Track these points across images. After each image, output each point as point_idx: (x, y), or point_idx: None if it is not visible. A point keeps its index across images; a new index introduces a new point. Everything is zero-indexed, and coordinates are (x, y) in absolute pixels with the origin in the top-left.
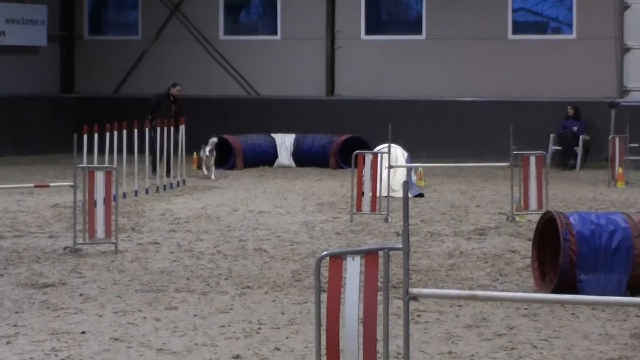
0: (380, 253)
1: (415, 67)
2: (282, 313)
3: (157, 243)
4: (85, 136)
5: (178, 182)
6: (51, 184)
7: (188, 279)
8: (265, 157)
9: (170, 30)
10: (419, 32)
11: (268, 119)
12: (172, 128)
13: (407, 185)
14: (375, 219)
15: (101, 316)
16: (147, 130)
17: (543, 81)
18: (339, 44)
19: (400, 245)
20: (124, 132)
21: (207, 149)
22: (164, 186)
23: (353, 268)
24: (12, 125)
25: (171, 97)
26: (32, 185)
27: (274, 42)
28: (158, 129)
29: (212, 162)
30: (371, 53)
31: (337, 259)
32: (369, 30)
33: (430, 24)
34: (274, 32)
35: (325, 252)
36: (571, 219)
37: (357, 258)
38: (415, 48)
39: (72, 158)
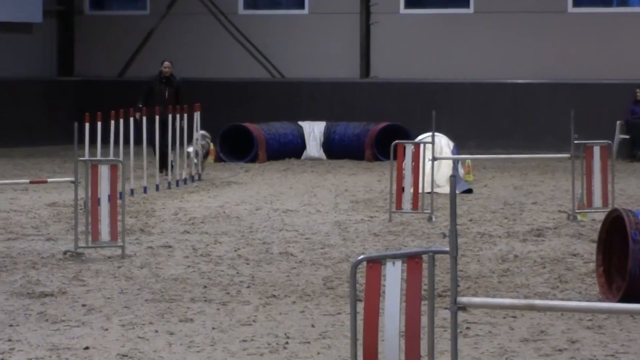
0: (425, 257)
1: (462, 45)
2: (313, 325)
3: (170, 246)
4: (87, 125)
5: (192, 177)
6: (49, 180)
7: (205, 287)
8: (292, 149)
9: (182, 4)
10: (466, 5)
11: (295, 105)
12: (169, 116)
13: (454, 179)
14: (417, 219)
15: (107, 329)
16: (132, 120)
17: (608, 60)
18: (375, 19)
19: (447, 248)
20: (131, 120)
21: (190, 149)
22: (177, 182)
23: (393, 274)
24: (4, 113)
25: (163, 78)
26: (27, 181)
27: (301, 17)
28: (157, 117)
29: (201, 163)
30: (412, 29)
31: (376, 263)
32: (410, 3)
33: None
34: (301, 6)
35: (361, 256)
36: None
37: (398, 263)
38: (461, 23)
39: (73, 150)
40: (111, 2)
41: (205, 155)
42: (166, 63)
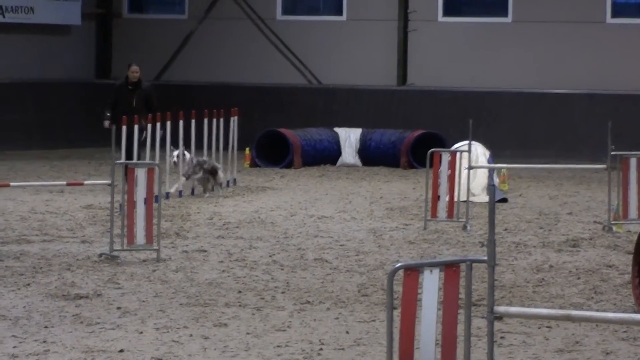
0: (462, 266)
1: (500, 54)
2: (347, 332)
3: (205, 251)
4: (124, 128)
5: (228, 182)
6: (85, 182)
7: (240, 292)
8: (327, 155)
9: (220, 8)
10: (505, 14)
11: (331, 111)
12: (136, 126)
13: (494, 189)
14: (453, 227)
15: (141, 333)
16: (108, 127)
17: None
18: (413, 27)
19: (484, 257)
20: (168, 123)
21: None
22: (212, 186)
23: (431, 282)
24: (41, 114)
25: (130, 85)
26: (64, 183)
27: (339, 24)
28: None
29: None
30: (449, 37)
31: (413, 271)
32: (448, 11)
33: (517, 5)
34: (339, 12)
35: (399, 264)
36: None
37: (436, 271)
38: (499, 32)
39: (109, 153)
40: (150, 6)
41: (212, 173)
42: (133, 67)
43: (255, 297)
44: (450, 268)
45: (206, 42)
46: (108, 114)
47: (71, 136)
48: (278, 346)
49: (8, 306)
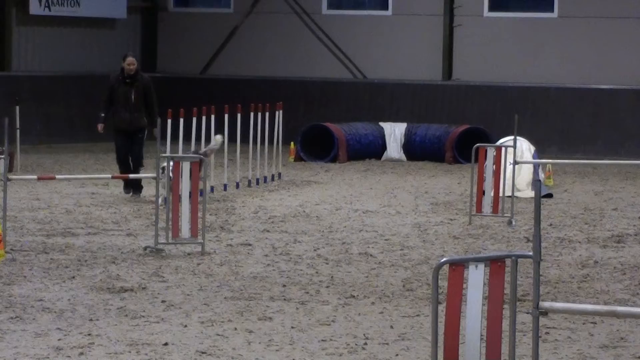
0: (507, 261)
1: (545, 50)
2: (391, 327)
3: (249, 244)
4: (168, 121)
5: (273, 176)
6: (130, 176)
7: (284, 285)
8: (372, 149)
9: (266, 2)
10: (551, 9)
11: (376, 106)
12: (140, 122)
13: (539, 184)
14: (497, 222)
15: (186, 326)
16: (101, 131)
17: None
18: (459, 22)
19: (529, 253)
20: (212, 117)
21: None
22: (257, 180)
23: (476, 277)
24: (87, 107)
25: (126, 78)
26: (109, 176)
27: (384, 18)
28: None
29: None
30: (495, 32)
31: (458, 266)
32: (493, 7)
33: (563, 1)
34: (385, 7)
35: (444, 259)
36: None
37: (481, 266)
38: (545, 27)
39: (154, 146)
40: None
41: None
42: (129, 58)
43: (300, 291)
44: (495, 263)
45: (251, 36)
46: (102, 115)
47: None
48: (322, 340)
49: (53, 299)
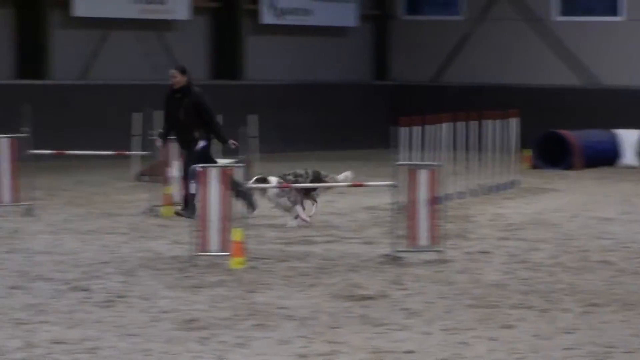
0: None
1: None
2: (637, 336)
3: (488, 252)
4: (402, 130)
5: (510, 184)
6: (368, 183)
7: (525, 293)
8: (607, 156)
9: (496, 9)
10: None
11: (610, 113)
12: (197, 137)
13: None
14: None
15: (428, 334)
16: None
17: None
18: None
19: None
20: (445, 125)
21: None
22: (493, 188)
23: None
24: (320, 116)
25: (175, 93)
26: (345, 184)
27: (617, 24)
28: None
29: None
30: None
31: None
32: None
33: None
34: (617, 13)
35: None
36: None
37: None
38: None
39: (385, 154)
40: (426, 7)
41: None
42: (172, 71)
43: (541, 299)
44: None
45: (482, 43)
46: (161, 131)
47: (348, 137)
48: (566, 349)
49: (295, 306)
